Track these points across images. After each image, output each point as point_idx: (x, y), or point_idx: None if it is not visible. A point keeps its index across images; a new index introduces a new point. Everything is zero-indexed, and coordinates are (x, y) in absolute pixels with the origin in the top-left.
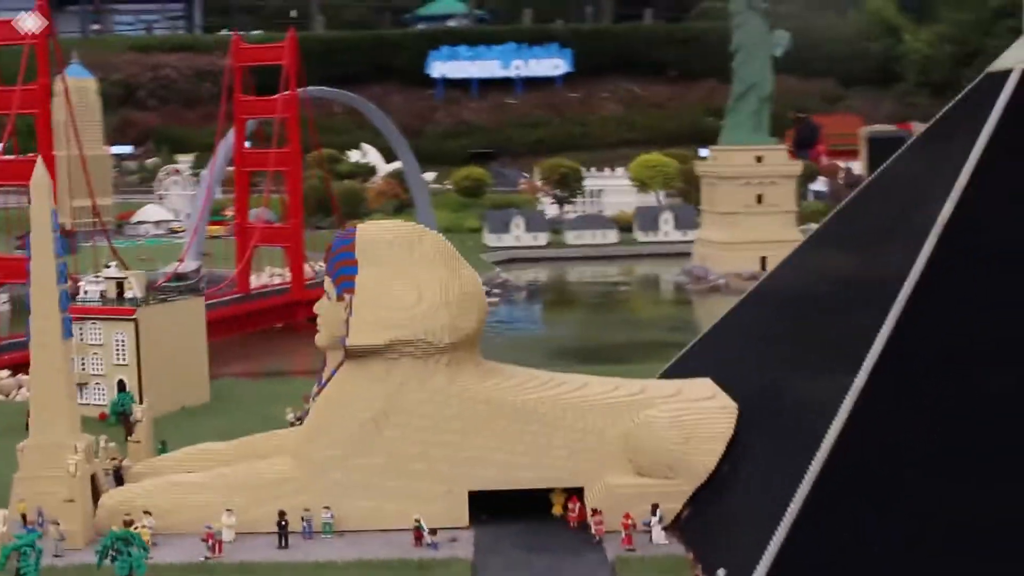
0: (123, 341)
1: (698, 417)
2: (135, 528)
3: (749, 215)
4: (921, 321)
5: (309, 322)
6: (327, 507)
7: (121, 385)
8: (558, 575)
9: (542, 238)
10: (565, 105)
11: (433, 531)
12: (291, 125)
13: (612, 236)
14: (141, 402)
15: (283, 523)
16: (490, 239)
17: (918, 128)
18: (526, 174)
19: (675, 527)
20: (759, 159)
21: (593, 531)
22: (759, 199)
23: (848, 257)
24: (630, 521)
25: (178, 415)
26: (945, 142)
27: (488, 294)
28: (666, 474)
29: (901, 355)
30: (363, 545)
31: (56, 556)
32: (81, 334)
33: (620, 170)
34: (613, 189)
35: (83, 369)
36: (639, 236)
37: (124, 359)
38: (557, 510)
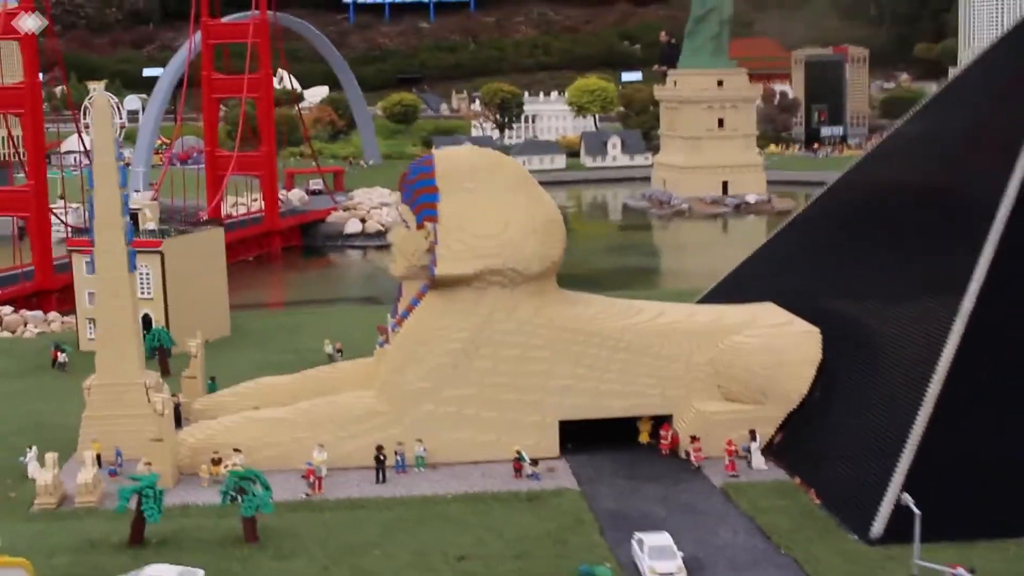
0: (148, 274)
1: (786, 341)
2: (225, 466)
3: (711, 139)
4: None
5: (284, 251)
6: (419, 440)
7: (147, 320)
8: (671, 502)
9: None
10: (479, 29)
11: (535, 461)
12: (262, 49)
13: (560, 162)
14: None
15: (381, 457)
16: None
17: (854, 52)
18: (470, 97)
19: (768, 453)
20: (720, 83)
21: (692, 458)
22: (720, 123)
23: (912, 183)
24: (733, 447)
25: (207, 349)
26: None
27: None
28: (758, 399)
29: (1006, 278)
30: (462, 478)
31: None
32: None
33: (554, 95)
34: (549, 113)
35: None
36: (587, 161)
37: (149, 292)
38: (644, 438)
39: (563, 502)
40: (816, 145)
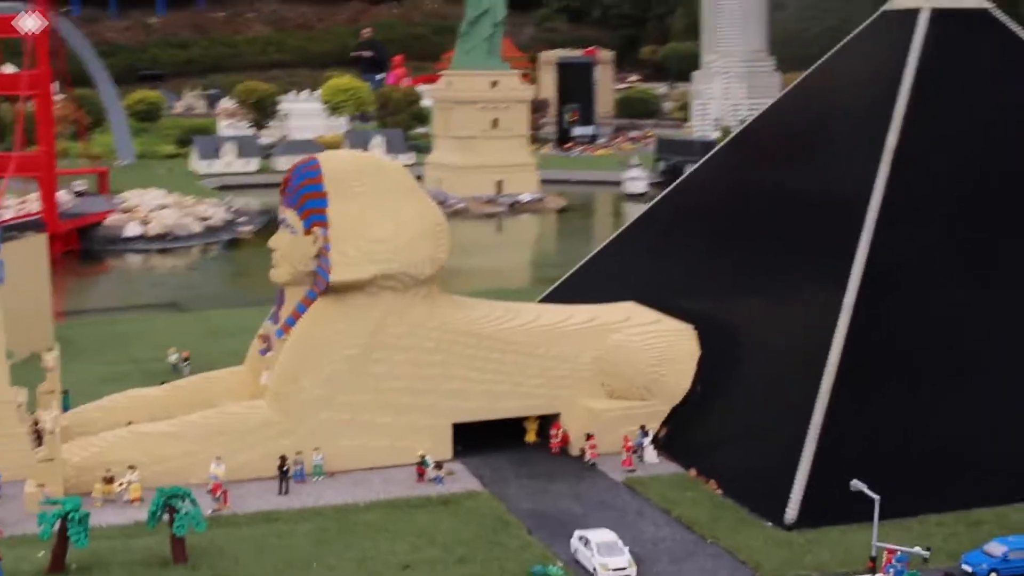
0: None
1: (666, 339)
2: (119, 484)
3: (485, 139)
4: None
5: (63, 256)
6: (317, 448)
7: None
8: (583, 499)
9: (254, 164)
10: (210, 25)
11: (439, 465)
12: (41, 45)
13: None
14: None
15: (285, 468)
16: (200, 165)
17: (602, 55)
18: (206, 95)
19: (655, 447)
20: (494, 84)
21: (588, 455)
22: (495, 123)
23: (770, 177)
24: (631, 443)
25: (34, 362)
26: (857, 77)
27: (234, 223)
28: (643, 396)
29: (883, 270)
30: (364, 485)
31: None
32: None
33: (304, 93)
34: (300, 113)
35: None
36: None
37: None
38: (531, 437)
39: (478, 504)
40: (569, 144)
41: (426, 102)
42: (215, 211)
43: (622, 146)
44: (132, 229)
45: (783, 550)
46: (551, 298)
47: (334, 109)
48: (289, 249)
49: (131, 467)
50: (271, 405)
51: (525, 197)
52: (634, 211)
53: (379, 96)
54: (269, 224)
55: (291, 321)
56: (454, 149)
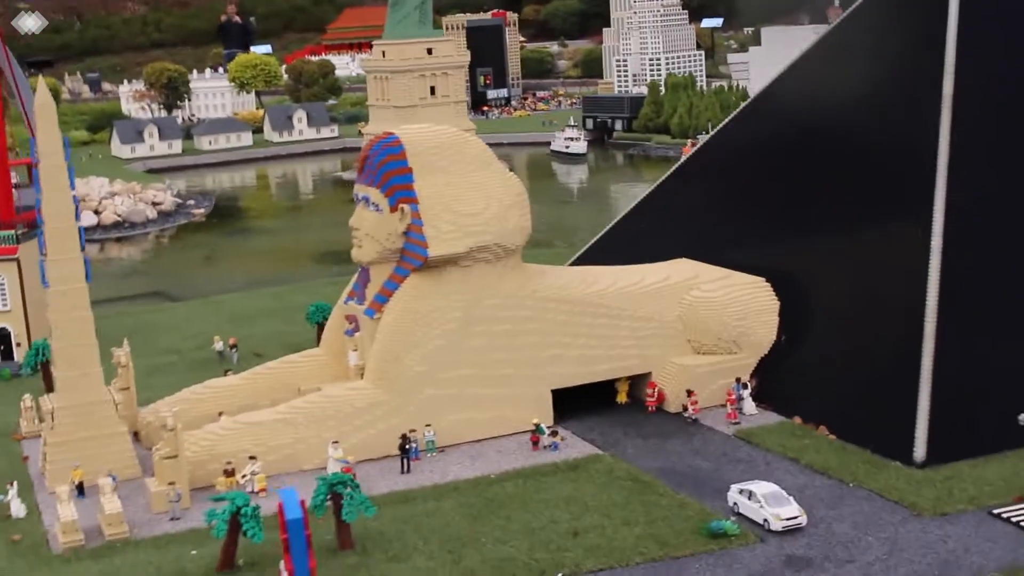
0: (2, 284)
1: (747, 293)
2: (243, 476)
3: (424, 107)
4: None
5: None
6: (428, 425)
7: (3, 334)
8: (703, 454)
9: (177, 146)
10: (83, 7)
11: (554, 432)
12: None
13: (247, 139)
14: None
15: (407, 447)
16: (123, 151)
17: (512, 17)
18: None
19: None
20: (430, 51)
21: (689, 411)
22: (432, 91)
23: (816, 130)
24: (733, 396)
25: None
26: (898, 19)
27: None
28: (730, 349)
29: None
30: (481, 458)
31: (174, 519)
32: None
33: (208, 72)
34: (209, 91)
35: None
36: (273, 137)
37: (6, 304)
38: (622, 398)
39: (607, 467)
40: (485, 107)
41: (340, 73)
42: (163, 196)
43: (536, 106)
44: (86, 219)
45: (929, 488)
46: (582, 261)
47: (242, 85)
48: (374, 227)
49: (252, 457)
50: (375, 385)
51: None
52: (577, 172)
53: (290, 70)
54: (216, 206)
55: (381, 299)
56: (393, 118)
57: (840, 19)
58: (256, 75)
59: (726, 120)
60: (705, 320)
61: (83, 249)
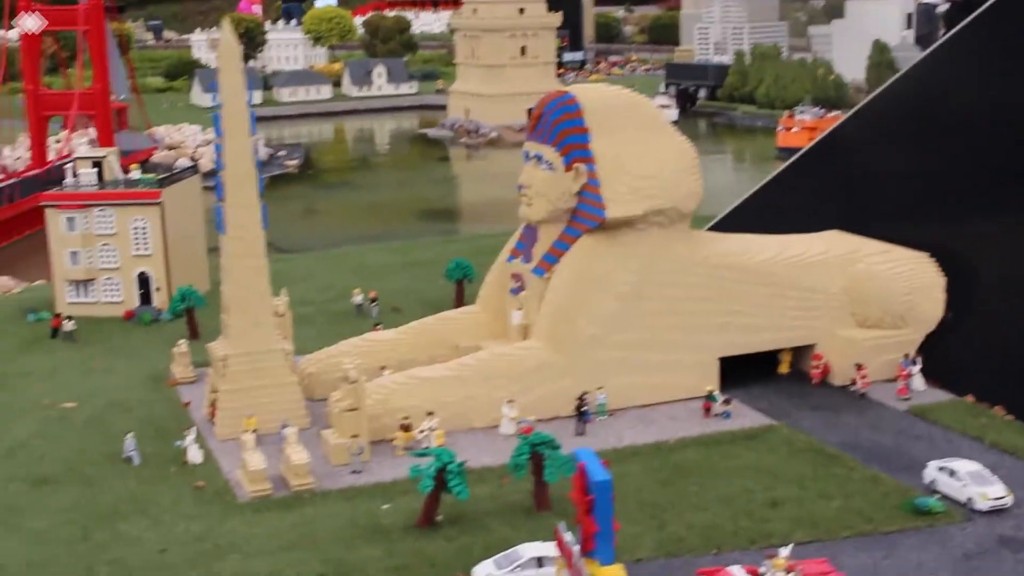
0: (145, 228)
1: (912, 267)
2: (421, 431)
3: (514, 67)
4: None
5: None
6: (601, 388)
7: (144, 279)
8: (881, 429)
9: (256, 96)
10: None
11: (727, 400)
12: None
13: (326, 92)
14: (177, 296)
15: (584, 408)
16: (203, 99)
17: None
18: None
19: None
20: (522, 10)
21: (859, 385)
22: (523, 51)
23: (976, 97)
24: (907, 372)
25: (212, 308)
26: None
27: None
28: (896, 324)
29: None
30: (654, 423)
31: (356, 472)
32: (87, 223)
33: (281, 23)
34: (283, 43)
35: (90, 264)
36: (351, 91)
37: (147, 248)
38: (784, 368)
39: (786, 438)
40: (561, 71)
41: (416, 29)
42: (257, 146)
43: (610, 71)
44: (183, 167)
45: None
46: (719, 228)
47: (317, 39)
48: (546, 186)
49: (429, 413)
50: (546, 345)
51: None
52: None
53: (366, 25)
54: (306, 158)
55: (551, 259)
56: (481, 78)
57: None
58: (331, 29)
59: (878, 90)
60: (872, 293)
61: (262, 195)
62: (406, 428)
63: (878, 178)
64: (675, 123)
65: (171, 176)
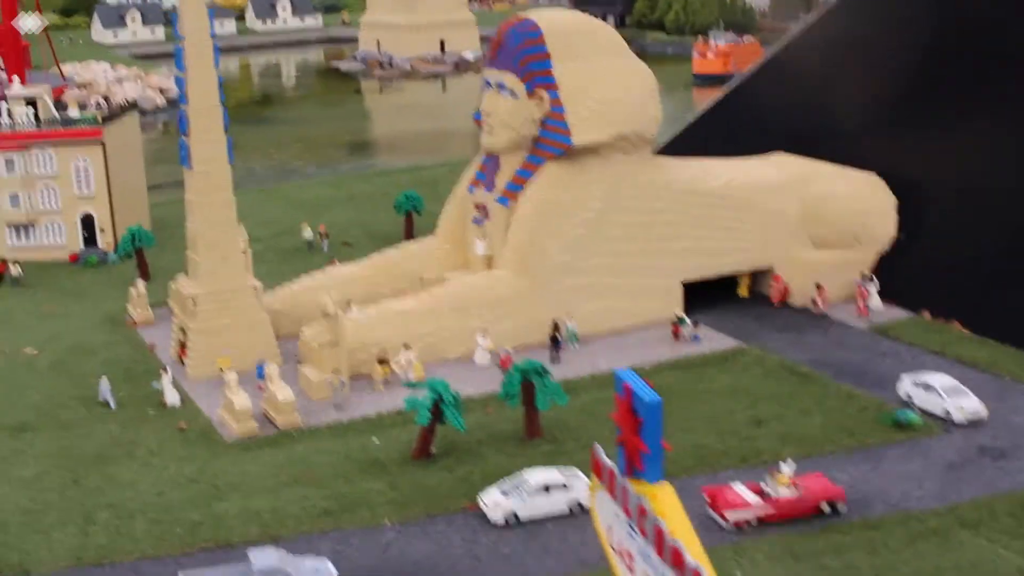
0: (87, 169)
1: (864, 188)
2: (397, 363)
3: None
4: None
5: None
6: (570, 314)
7: (88, 221)
8: (848, 347)
9: (160, 32)
10: None
11: (696, 323)
12: None
13: (230, 26)
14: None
15: (557, 337)
16: (104, 35)
17: None
18: None
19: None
20: None
21: (821, 306)
22: None
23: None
24: (866, 291)
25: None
26: None
27: None
28: (851, 244)
29: None
30: (625, 349)
31: (338, 407)
32: (25, 165)
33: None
34: None
35: (31, 206)
36: (256, 25)
37: (89, 189)
38: (744, 292)
39: (757, 359)
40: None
41: None
42: (167, 82)
43: (515, 0)
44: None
45: None
46: (665, 153)
47: None
48: (509, 114)
49: (406, 346)
50: (516, 273)
51: (468, 55)
52: None
53: None
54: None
55: (515, 187)
56: (392, 8)
57: None
58: None
59: (816, 16)
60: (827, 214)
61: (227, 129)
62: (383, 361)
63: (822, 100)
64: None
65: (111, 114)
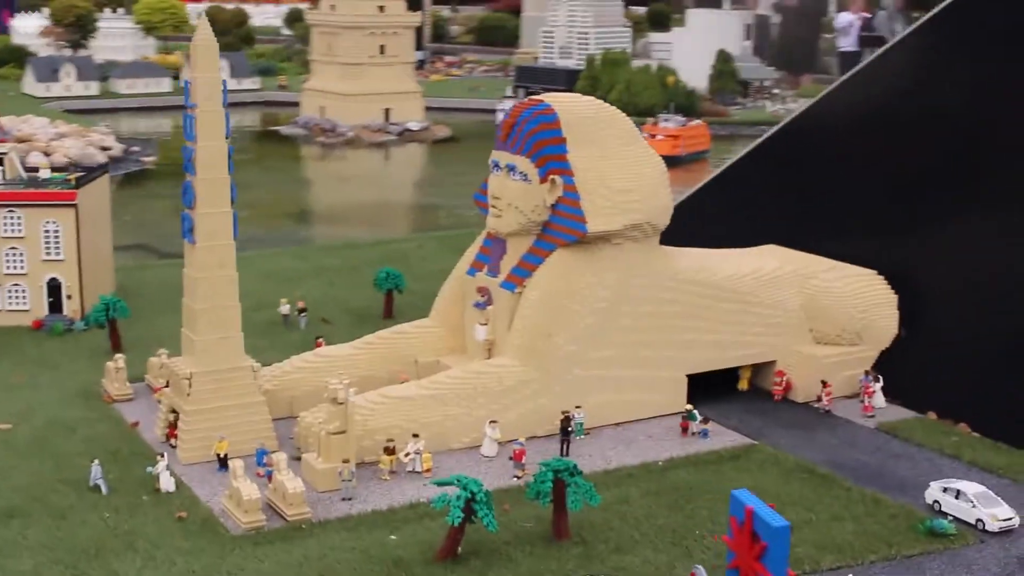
0: (58, 231)
1: (865, 285)
2: (406, 454)
3: (372, 65)
4: None
5: None
6: (579, 406)
7: (54, 286)
8: (860, 447)
9: (94, 87)
10: None
11: (705, 419)
12: None
13: (166, 84)
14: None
15: (569, 428)
16: (36, 88)
17: None
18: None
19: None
20: (381, 8)
21: (825, 403)
22: (382, 49)
23: (908, 111)
24: (872, 390)
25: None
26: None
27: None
28: (854, 341)
29: None
30: (634, 443)
31: (347, 499)
32: None
33: (108, 11)
34: (112, 32)
35: None
36: None
37: (58, 253)
38: (744, 385)
39: (771, 458)
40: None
41: (255, 22)
42: (111, 140)
43: (448, 71)
44: (35, 161)
45: None
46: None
47: (149, 29)
48: (520, 198)
49: (415, 435)
50: (523, 362)
51: (413, 125)
52: None
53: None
54: (160, 151)
55: (522, 273)
56: (339, 76)
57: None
58: (164, 19)
59: (811, 103)
60: (830, 310)
61: (234, 202)
62: (390, 451)
63: (815, 191)
64: None
65: (86, 175)
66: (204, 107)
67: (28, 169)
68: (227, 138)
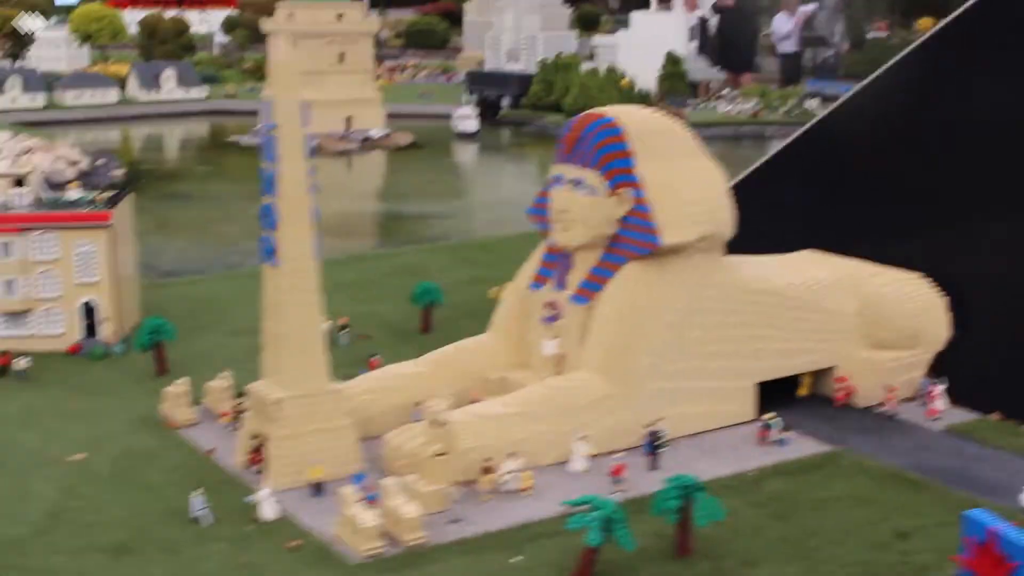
0: (93, 253)
1: (915, 288)
2: (505, 474)
3: (333, 74)
4: None
5: None
6: (660, 420)
7: (88, 309)
8: (939, 451)
9: (40, 99)
10: None
11: (787, 427)
12: None
13: (113, 95)
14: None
15: (656, 444)
16: None
17: None
18: None
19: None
20: (340, 16)
21: (888, 407)
22: (341, 57)
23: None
24: (936, 392)
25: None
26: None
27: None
28: (910, 344)
29: None
30: (716, 454)
31: (455, 521)
32: (25, 249)
33: (40, 20)
34: (46, 42)
35: (27, 293)
36: (140, 95)
37: (93, 276)
38: (804, 391)
39: (857, 464)
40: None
41: (195, 30)
42: (79, 155)
43: (392, 76)
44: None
45: None
46: None
47: (85, 38)
48: (588, 212)
49: (511, 454)
50: (604, 377)
51: (375, 133)
52: (466, 150)
53: (143, 25)
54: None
55: (593, 286)
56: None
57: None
58: (101, 28)
59: (835, 104)
60: (887, 315)
61: (318, 222)
62: (488, 470)
63: (850, 194)
64: (474, 134)
65: (116, 196)
66: (286, 128)
67: (52, 186)
68: (309, 158)
